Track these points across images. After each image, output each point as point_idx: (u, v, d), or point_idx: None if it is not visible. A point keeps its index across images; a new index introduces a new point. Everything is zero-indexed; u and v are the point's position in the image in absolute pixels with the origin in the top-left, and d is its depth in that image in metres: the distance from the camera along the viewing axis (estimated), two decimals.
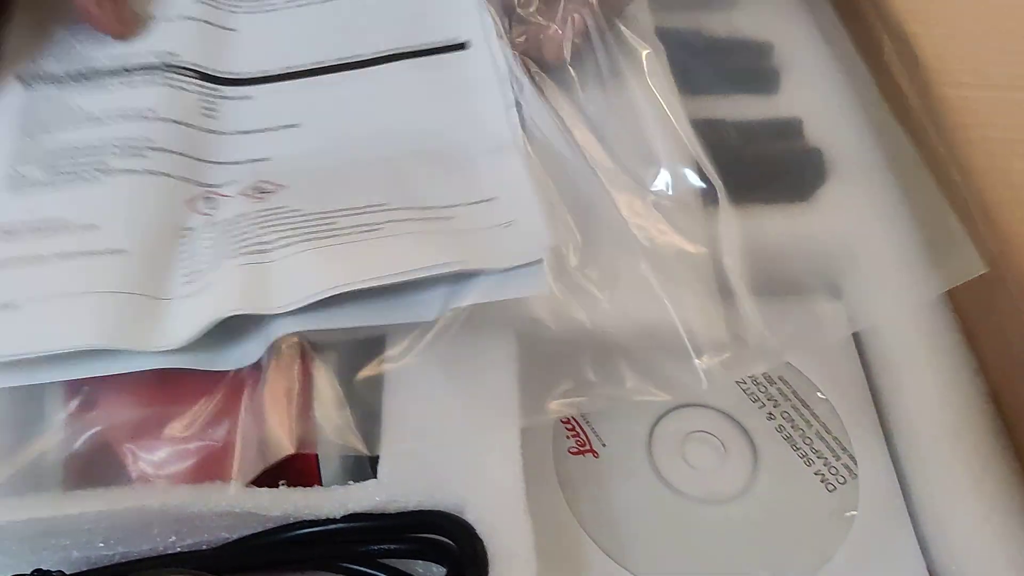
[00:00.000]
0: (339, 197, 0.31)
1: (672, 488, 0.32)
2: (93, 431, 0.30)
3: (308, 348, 0.30)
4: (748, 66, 0.41)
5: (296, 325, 0.28)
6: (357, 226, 0.30)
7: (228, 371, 0.30)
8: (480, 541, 0.27)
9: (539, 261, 0.29)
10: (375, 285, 0.28)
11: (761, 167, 0.37)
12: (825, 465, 0.32)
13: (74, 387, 0.30)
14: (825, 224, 0.36)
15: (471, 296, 0.29)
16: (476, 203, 0.31)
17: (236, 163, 0.33)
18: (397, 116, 0.35)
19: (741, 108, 0.39)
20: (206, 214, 0.32)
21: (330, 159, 0.33)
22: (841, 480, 0.32)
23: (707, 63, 0.40)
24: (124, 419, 0.30)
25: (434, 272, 0.28)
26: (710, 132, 0.36)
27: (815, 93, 0.40)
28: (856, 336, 0.36)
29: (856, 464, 0.32)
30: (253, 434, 0.28)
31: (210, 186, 0.33)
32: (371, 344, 0.32)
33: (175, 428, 0.30)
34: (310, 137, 0.34)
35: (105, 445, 0.30)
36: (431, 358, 0.30)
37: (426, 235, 0.30)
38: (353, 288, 0.28)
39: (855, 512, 0.31)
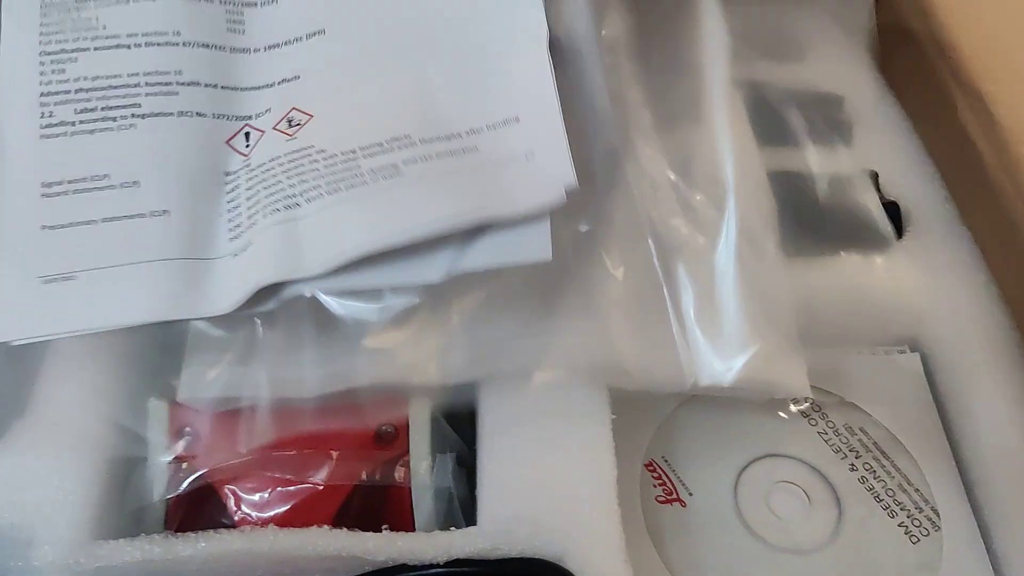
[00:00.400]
0: (363, 129, 0.31)
1: (758, 538, 0.32)
2: (197, 474, 0.31)
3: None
4: (821, 118, 0.42)
5: (314, 287, 0.29)
6: (380, 168, 0.30)
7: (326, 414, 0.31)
8: None
9: (546, 219, 0.29)
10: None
11: (839, 218, 0.37)
12: (908, 517, 0.33)
13: (177, 429, 0.31)
14: (902, 276, 0.37)
15: (476, 260, 0.29)
16: (499, 125, 0.31)
17: (268, 86, 0.33)
18: (420, 6, 0.34)
19: (815, 159, 0.40)
20: (243, 154, 0.32)
21: (356, 71, 0.33)
22: (924, 532, 0.32)
23: (780, 114, 0.41)
24: (225, 463, 0.31)
25: (452, 228, 0.29)
26: (787, 182, 0.37)
27: (888, 147, 0.41)
28: (933, 387, 0.36)
29: (939, 516, 0.33)
30: None
31: (246, 118, 0.33)
32: (465, 389, 0.33)
33: (276, 471, 0.31)
34: (335, 45, 0.34)
35: (207, 486, 0.31)
36: (526, 407, 0.31)
37: (447, 177, 0.30)
38: (374, 251, 0.28)
39: (939, 564, 0.31)
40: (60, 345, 0.32)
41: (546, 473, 0.30)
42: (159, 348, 0.33)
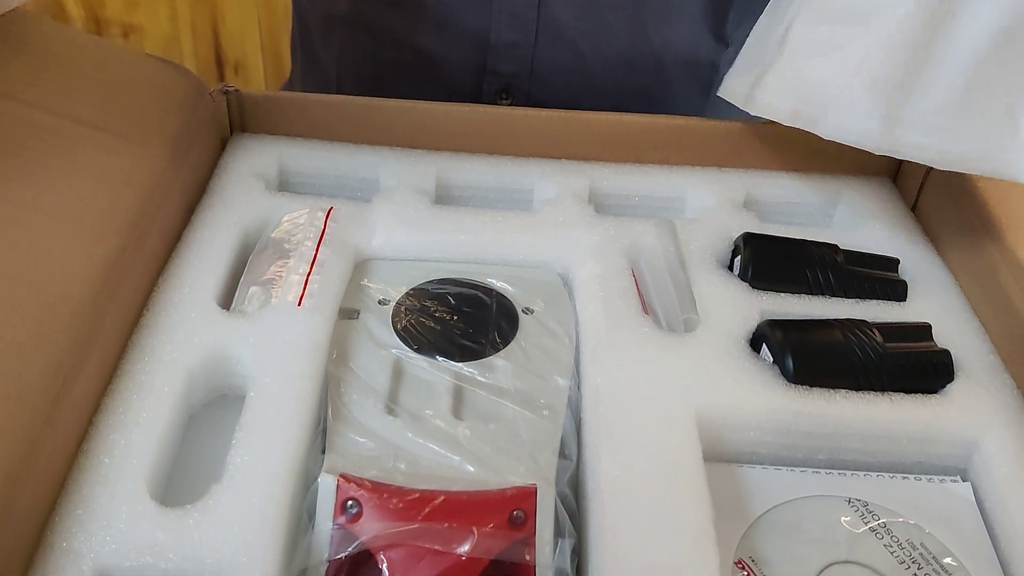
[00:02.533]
0: None
1: None
2: (357, 541, 0.36)
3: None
4: (881, 277, 0.48)
5: None
6: None
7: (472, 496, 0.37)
8: None
9: None
10: None
11: (900, 362, 0.43)
12: None
13: (342, 501, 0.37)
14: (954, 415, 0.42)
15: None
16: None
17: None
18: None
19: (876, 312, 0.46)
20: None
21: None
22: None
23: (848, 272, 0.48)
24: (384, 532, 0.36)
25: None
26: (856, 329, 0.44)
27: (939, 304, 0.48)
28: (983, 511, 0.41)
29: None
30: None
31: None
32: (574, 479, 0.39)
33: (426, 541, 0.36)
34: None
35: (365, 552, 0.36)
36: (633, 498, 0.37)
37: None
38: None
39: None
40: (246, 420, 0.38)
41: (657, 552, 0.35)
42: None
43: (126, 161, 0.45)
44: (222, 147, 0.54)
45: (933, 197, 0.53)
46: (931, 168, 0.53)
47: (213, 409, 0.43)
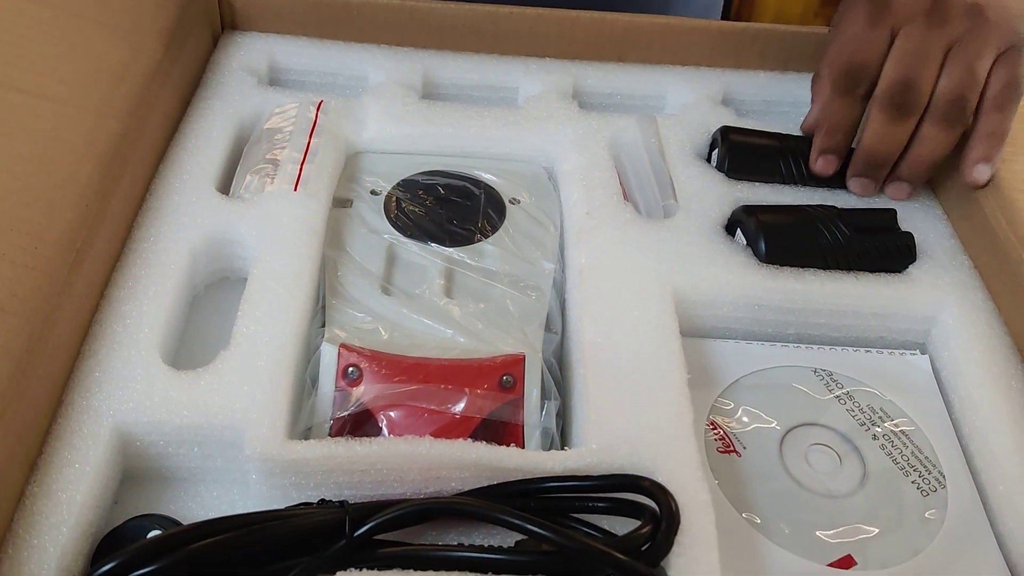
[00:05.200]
0: None
1: (798, 483, 0.40)
2: (358, 402, 0.39)
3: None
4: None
5: None
6: None
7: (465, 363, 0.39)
8: (675, 499, 0.35)
9: None
10: None
11: (865, 244, 0.46)
12: (920, 477, 0.40)
13: (344, 367, 0.39)
14: (915, 293, 0.45)
15: None
16: None
17: None
18: None
19: (848, 200, 0.49)
20: None
21: None
22: (933, 488, 0.40)
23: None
24: (383, 393, 0.39)
25: None
26: (826, 213, 0.46)
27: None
28: (939, 380, 0.44)
29: (944, 478, 0.40)
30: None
31: None
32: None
33: (422, 401, 0.39)
34: None
35: (365, 412, 0.39)
36: (613, 358, 0.40)
37: None
38: None
39: (945, 512, 0.39)
40: (250, 293, 0.40)
41: (636, 411, 0.38)
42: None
43: (123, 52, 0.46)
44: (214, 44, 0.55)
45: None
46: None
47: (217, 290, 0.45)
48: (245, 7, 0.55)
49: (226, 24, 0.56)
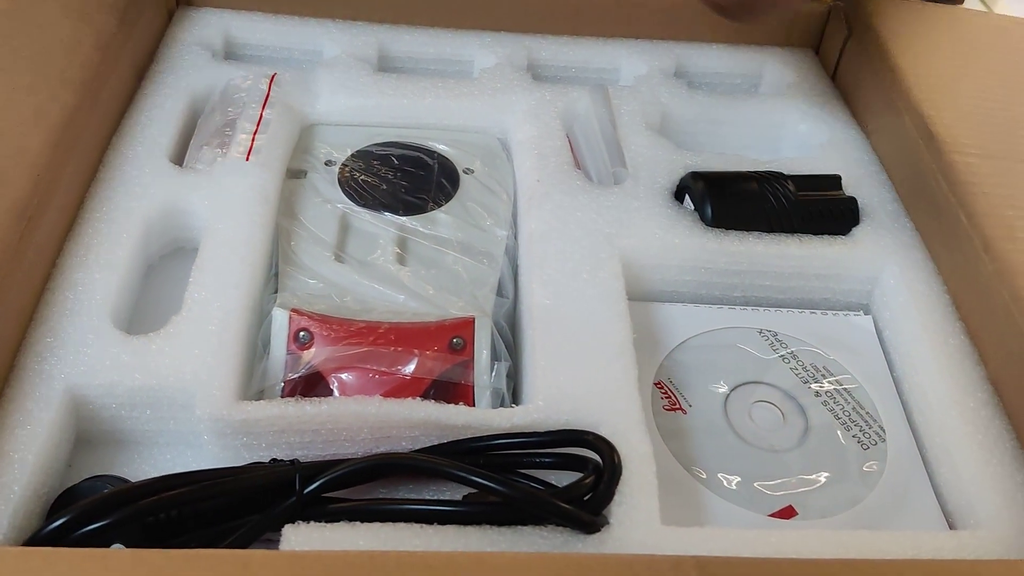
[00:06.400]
0: None
1: (742, 439, 0.41)
2: (309, 364, 0.39)
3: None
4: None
5: None
6: None
7: (415, 326, 0.40)
8: (617, 452, 0.35)
9: None
10: None
11: (810, 208, 0.47)
12: (860, 431, 0.41)
13: (295, 331, 0.40)
14: (858, 255, 0.46)
15: None
16: None
17: None
18: None
19: (795, 166, 0.50)
20: None
21: None
22: (873, 442, 0.41)
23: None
24: (333, 356, 0.39)
25: None
26: (772, 179, 0.47)
27: (851, 159, 0.51)
28: (882, 340, 0.45)
29: (884, 432, 0.42)
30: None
31: None
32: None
33: (373, 363, 0.39)
34: None
35: (317, 375, 0.39)
36: (564, 321, 0.40)
37: None
38: None
39: (885, 464, 0.40)
40: (202, 260, 0.41)
41: (582, 370, 0.39)
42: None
43: (76, 26, 0.47)
44: (169, 19, 0.55)
45: (850, 64, 0.57)
46: (849, 37, 0.57)
47: (170, 260, 0.45)
48: None
49: (180, 0, 0.56)
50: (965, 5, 0.80)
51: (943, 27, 0.56)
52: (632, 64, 0.57)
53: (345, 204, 0.47)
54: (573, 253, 0.44)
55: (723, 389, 0.43)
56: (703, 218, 0.46)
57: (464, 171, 0.50)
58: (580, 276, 0.43)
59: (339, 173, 0.49)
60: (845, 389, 0.43)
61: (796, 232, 0.46)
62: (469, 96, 0.53)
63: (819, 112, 0.55)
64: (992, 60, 0.54)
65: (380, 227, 0.46)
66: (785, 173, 0.48)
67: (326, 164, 0.49)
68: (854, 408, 0.42)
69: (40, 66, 0.43)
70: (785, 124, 0.55)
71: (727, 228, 0.46)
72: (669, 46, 0.58)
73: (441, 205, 0.48)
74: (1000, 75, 0.52)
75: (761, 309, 0.46)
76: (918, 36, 0.54)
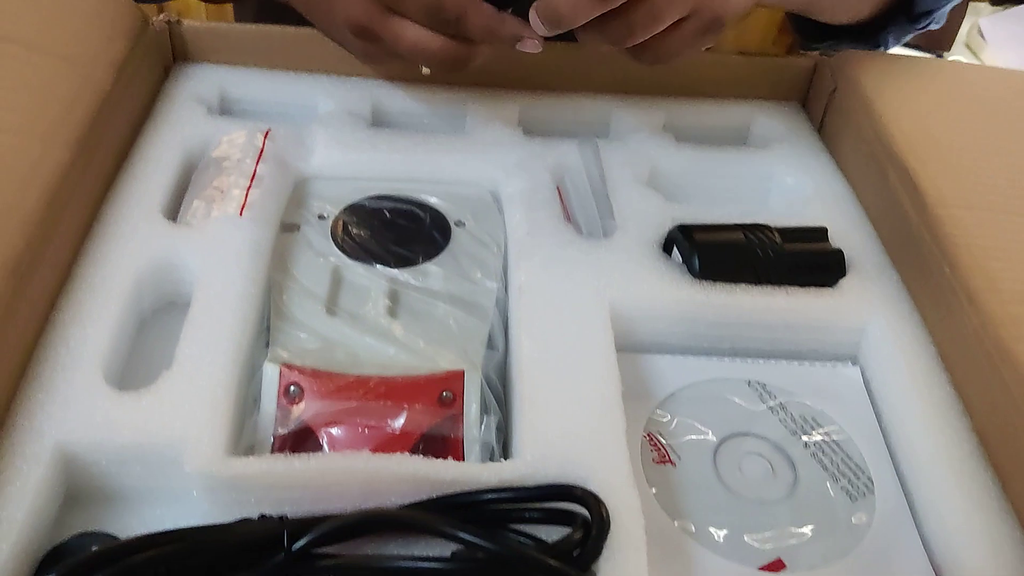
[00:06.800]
0: None
1: (731, 491, 0.41)
2: (299, 419, 0.40)
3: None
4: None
5: None
6: None
7: (405, 379, 0.40)
8: (606, 507, 0.36)
9: None
10: None
11: (797, 260, 0.47)
12: (849, 483, 0.42)
13: (285, 386, 0.40)
14: (845, 307, 0.47)
15: None
16: None
17: None
18: None
19: (782, 218, 0.50)
20: None
21: None
22: (861, 493, 0.41)
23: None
24: (323, 410, 0.40)
25: None
26: (758, 231, 0.48)
27: (836, 211, 0.52)
28: (869, 390, 0.46)
29: (873, 483, 0.42)
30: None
31: None
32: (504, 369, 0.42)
33: (362, 418, 0.40)
34: None
35: (306, 429, 0.40)
36: (552, 374, 0.41)
37: None
38: None
39: (873, 516, 0.40)
40: (194, 314, 0.41)
41: (571, 423, 0.39)
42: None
43: (73, 82, 0.47)
44: (165, 75, 0.56)
45: (835, 118, 0.58)
46: (835, 90, 0.58)
47: (163, 315, 0.46)
48: (196, 39, 0.57)
49: (178, 56, 0.57)
50: (953, 53, 0.81)
51: (926, 80, 0.57)
52: (621, 119, 0.58)
53: (337, 257, 0.47)
54: (562, 305, 0.44)
55: (712, 441, 0.43)
56: (691, 270, 0.47)
57: (456, 224, 0.51)
58: (569, 328, 0.43)
59: (332, 226, 0.49)
60: (834, 440, 0.43)
61: (783, 284, 0.47)
62: (461, 150, 0.54)
63: (806, 165, 0.56)
64: (975, 112, 0.55)
65: (372, 280, 0.46)
66: (772, 225, 0.49)
67: (319, 218, 0.50)
68: (843, 460, 0.43)
69: (37, 123, 0.44)
70: (772, 177, 0.56)
71: (715, 280, 0.46)
72: (658, 101, 0.59)
73: (433, 258, 0.48)
74: (983, 127, 0.53)
75: (749, 360, 0.47)
76: (901, 89, 0.55)
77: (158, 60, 0.56)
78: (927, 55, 1.27)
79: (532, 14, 0.45)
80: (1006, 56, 1.31)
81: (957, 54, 1.34)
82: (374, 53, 0.49)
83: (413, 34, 0.46)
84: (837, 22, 0.61)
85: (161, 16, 0.55)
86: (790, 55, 0.61)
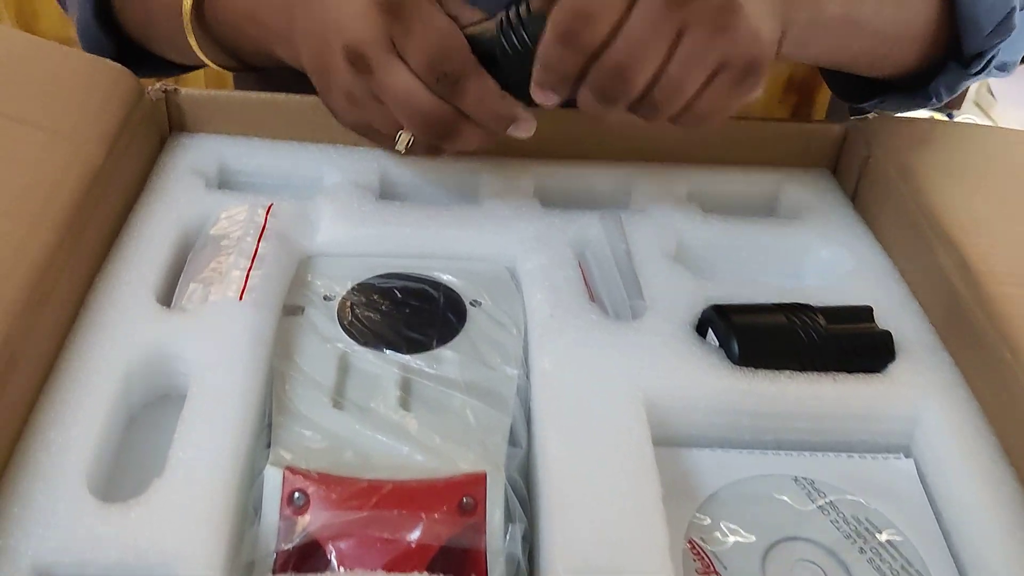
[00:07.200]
0: None
1: None
2: (304, 531, 0.36)
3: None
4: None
5: None
6: None
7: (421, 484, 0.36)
8: None
9: None
10: None
11: (842, 344, 0.44)
12: None
13: (289, 493, 0.36)
14: (896, 393, 0.43)
15: None
16: None
17: None
18: None
19: (821, 296, 0.47)
20: None
21: None
22: None
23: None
24: (331, 521, 0.36)
25: None
26: (800, 312, 0.44)
27: (880, 287, 0.48)
28: (926, 485, 0.42)
29: None
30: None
31: None
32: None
33: (374, 529, 0.36)
34: None
35: (313, 542, 0.36)
36: (583, 479, 0.37)
37: None
38: None
39: None
40: (188, 414, 0.38)
41: (608, 534, 0.35)
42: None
43: (62, 157, 0.44)
44: (161, 146, 0.53)
45: (870, 187, 0.55)
46: (869, 157, 0.55)
47: (155, 410, 0.42)
48: (194, 108, 0.54)
49: (174, 126, 0.54)
50: (964, 112, 0.78)
51: (967, 146, 0.54)
52: (643, 188, 0.55)
53: (345, 343, 0.44)
54: (591, 395, 0.41)
55: (760, 547, 0.39)
56: (729, 355, 0.43)
57: (471, 303, 0.47)
58: (600, 421, 0.40)
59: (338, 308, 0.46)
60: (891, 544, 0.39)
61: (829, 370, 0.43)
62: (475, 224, 0.51)
63: (842, 237, 0.52)
64: (1020, 181, 0.52)
65: (382, 367, 0.43)
66: (813, 305, 0.45)
67: (325, 299, 0.46)
68: (903, 566, 0.39)
69: (22, 203, 0.41)
70: (807, 249, 0.53)
71: (756, 366, 0.43)
72: (681, 170, 0.56)
73: (447, 342, 0.45)
74: None
75: (795, 453, 0.43)
76: (942, 156, 0.52)
77: (154, 131, 0.53)
78: (938, 115, 1.26)
79: (533, 86, 0.43)
80: (1016, 114, 1.29)
81: (967, 112, 1.33)
82: (358, 94, 0.45)
83: (406, 82, 0.44)
84: (881, 75, 0.57)
85: (158, 85, 0.53)
86: (816, 120, 0.58)
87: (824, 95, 0.73)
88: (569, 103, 0.44)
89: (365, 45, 0.43)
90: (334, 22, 0.45)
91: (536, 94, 0.43)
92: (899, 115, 0.58)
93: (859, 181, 0.56)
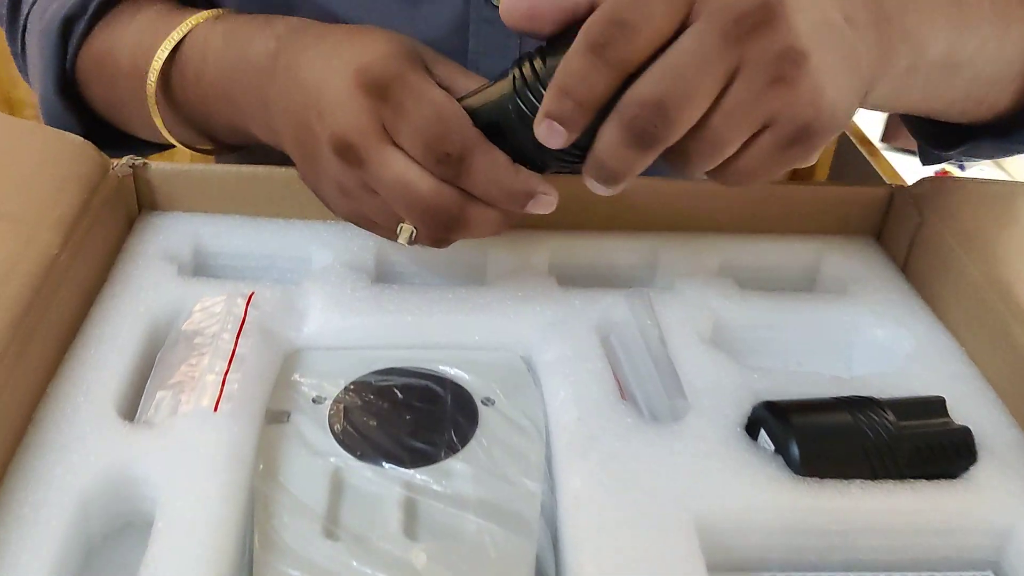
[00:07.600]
0: None
1: None
2: None
3: None
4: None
5: None
6: None
7: None
8: None
9: None
10: None
11: (914, 444, 0.38)
12: None
13: None
14: (979, 500, 0.37)
15: None
16: None
17: None
18: None
19: (882, 385, 0.41)
20: None
21: None
22: None
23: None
24: None
25: None
26: (865, 410, 0.38)
27: (947, 372, 0.43)
28: None
29: None
30: None
31: None
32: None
33: None
34: None
35: None
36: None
37: None
38: None
39: None
40: (152, 556, 0.31)
41: None
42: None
43: (11, 246, 0.38)
44: (129, 228, 0.48)
45: (924, 256, 0.49)
46: (921, 223, 0.49)
47: (116, 541, 0.36)
48: (165, 184, 0.48)
49: (144, 204, 0.49)
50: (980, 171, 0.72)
51: (1020, 208, 0.49)
52: (671, 261, 0.50)
53: (338, 456, 0.38)
54: (633, 518, 0.35)
55: None
56: (789, 463, 0.37)
57: (483, 402, 0.41)
58: (645, 549, 0.34)
59: (330, 413, 0.40)
60: None
61: (902, 475, 0.37)
62: (484, 307, 0.45)
63: (896, 313, 0.47)
64: None
65: (382, 486, 0.37)
66: (877, 397, 0.39)
67: (314, 401, 0.40)
68: None
69: None
70: (857, 328, 0.47)
71: (821, 476, 0.37)
72: (710, 239, 0.51)
73: (457, 450, 0.39)
74: None
75: (868, 574, 0.37)
76: (1001, 220, 0.47)
77: (120, 211, 0.47)
78: (949, 167, 1.21)
79: (586, 176, 0.37)
80: None
81: (982, 163, 1.28)
82: (350, 186, 0.40)
83: (403, 170, 0.38)
84: (971, 121, 0.51)
85: (124, 159, 0.47)
86: (857, 183, 0.53)
87: (826, 153, 0.68)
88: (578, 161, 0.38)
89: (353, 135, 0.38)
90: (315, 107, 0.39)
91: (540, 129, 0.36)
92: (952, 177, 0.53)
93: (911, 249, 0.50)
